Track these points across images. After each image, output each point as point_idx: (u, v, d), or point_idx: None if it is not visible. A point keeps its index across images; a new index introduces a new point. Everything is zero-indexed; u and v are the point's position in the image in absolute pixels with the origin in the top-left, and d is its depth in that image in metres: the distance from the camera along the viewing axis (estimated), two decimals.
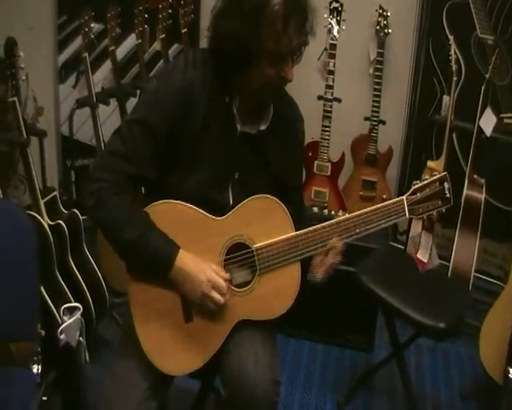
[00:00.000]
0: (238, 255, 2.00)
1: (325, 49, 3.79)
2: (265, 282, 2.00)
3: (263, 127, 2.04)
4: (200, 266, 1.93)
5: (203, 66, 1.97)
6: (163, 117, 1.92)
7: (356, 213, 2.00)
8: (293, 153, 2.16)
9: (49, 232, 2.87)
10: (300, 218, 2.12)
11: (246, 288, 2.00)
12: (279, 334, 2.50)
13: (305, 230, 1.99)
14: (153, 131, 1.92)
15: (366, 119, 3.92)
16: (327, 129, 3.77)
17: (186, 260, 1.93)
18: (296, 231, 2.00)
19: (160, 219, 1.95)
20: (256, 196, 1.99)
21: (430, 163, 3.55)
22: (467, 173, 3.54)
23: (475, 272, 3.48)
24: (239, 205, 1.99)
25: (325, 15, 3.67)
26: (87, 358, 2.84)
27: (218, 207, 1.99)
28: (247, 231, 1.99)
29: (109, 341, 3.29)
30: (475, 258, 3.45)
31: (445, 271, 3.47)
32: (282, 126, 2.09)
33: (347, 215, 2.01)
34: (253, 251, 1.99)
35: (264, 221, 1.99)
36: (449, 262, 3.49)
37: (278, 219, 2.00)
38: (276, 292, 2.00)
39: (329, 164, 3.86)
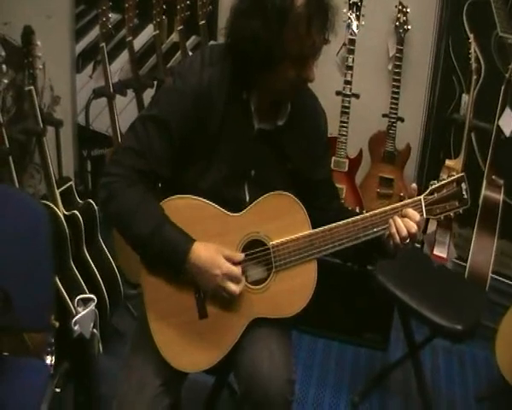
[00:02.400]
0: (254, 252, 1.98)
1: (344, 44, 3.76)
2: (281, 280, 1.98)
3: (280, 123, 2.02)
4: (213, 259, 1.90)
5: (221, 62, 1.94)
6: (178, 116, 1.90)
7: (373, 211, 1.97)
8: (314, 146, 2.12)
9: (65, 223, 2.87)
10: (331, 211, 2.11)
11: (261, 285, 1.99)
12: (294, 330, 2.50)
13: (321, 228, 1.96)
14: (167, 129, 1.91)
15: (384, 115, 3.87)
16: (345, 125, 3.73)
17: (199, 252, 1.90)
18: (327, 224, 1.96)
19: (175, 214, 1.93)
20: (273, 192, 1.97)
21: (448, 162, 3.52)
22: (485, 174, 3.51)
23: (492, 273, 3.45)
24: (256, 202, 1.97)
25: (344, 10, 3.63)
26: (101, 349, 2.84)
27: (235, 204, 1.98)
28: (263, 228, 1.97)
29: (123, 332, 3.29)
30: (493, 259, 3.43)
31: (462, 272, 3.45)
32: (302, 121, 2.06)
33: (365, 214, 1.98)
34: (269, 248, 1.97)
35: (280, 218, 1.97)
36: (466, 263, 3.46)
37: (295, 217, 1.98)
38: (292, 290, 1.98)
39: (347, 160, 3.82)
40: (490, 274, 3.40)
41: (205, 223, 1.95)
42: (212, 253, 1.91)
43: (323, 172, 2.19)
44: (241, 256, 1.95)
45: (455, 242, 3.79)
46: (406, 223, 1.90)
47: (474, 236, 3.48)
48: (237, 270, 1.92)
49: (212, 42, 3.90)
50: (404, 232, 1.89)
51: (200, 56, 1.97)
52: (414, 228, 1.90)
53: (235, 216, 1.97)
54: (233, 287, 1.91)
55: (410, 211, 1.92)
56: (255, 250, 1.98)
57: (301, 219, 1.98)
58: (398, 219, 1.91)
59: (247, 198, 2.02)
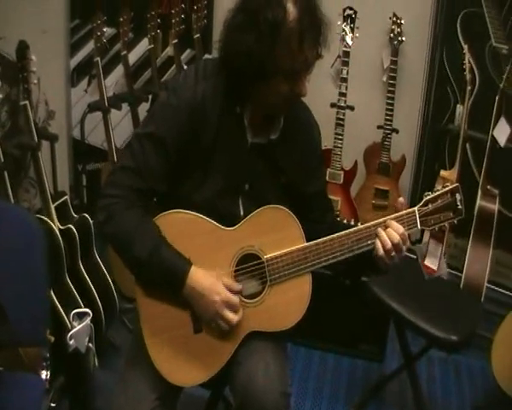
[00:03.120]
0: (249, 266, 1.98)
1: (338, 56, 3.77)
2: (276, 293, 1.98)
3: (273, 137, 2.02)
4: (213, 286, 1.90)
5: (215, 76, 1.95)
6: (173, 132, 1.91)
7: (367, 224, 1.97)
8: (308, 159, 2.12)
9: (60, 237, 2.86)
10: (325, 223, 2.13)
11: (256, 299, 1.98)
12: (289, 343, 2.49)
13: (315, 241, 1.96)
14: (163, 145, 1.91)
15: (379, 127, 3.88)
16: (340, 137, 3.74)
17: (198, 277, 1.90)
18: (322, 237, 1.96)
19: (170, 228, 1.93)
20: (267, 206, 1.97)
21: (443, 173, 3.52)
22: (480, 184, 3.52)
23: (488, 283, 3.45)
24: (250, 215, 1.98)
25: (339, 23, 3.64)
26: (96, 363, 2.84)
27: (229, 218, 1.98)
28: (257, 241, 1.97)
29: (119, 346, 3.29)
30: (488, 269, 3.43)
31: (457, 282, 3.45)
32: (295, 134, 2.06)
33: (359, 226, 1.98)
34: (263, 262, 1.97)
35: (275, 232, 1.97)
36: (461, 273, 3.46)
37: (289, 230, 1.98)
38: (287, 304, 1.98)
39: (342, 172, 3.83)
40: (485, 284, 3.40)
41: (199, 237, 1.95)
42: (212, 279, 1.91)
43: (318, 184, 2.19)
44: (239, 287, 1.95)
45: (450, 252, 3.79)
46: (389, 234, 1.91)
47: (469, 246, 3.49)
48: (236, 299, 1.93)
49: (206, 55, 3.91)
50: (389, 245, 1.90)
51: (194, 70, 1.98)
52: (396, 238, 1.90)
53: (230, 230, 1.97)
54: (231, 315, 1.91)
55: (394, 223, 1.93)
56: (250, 264, 1.98)
57: (295, 232, 1.98)
58: (382, 232, 1.93)
59: (242, 212, 2.02)
